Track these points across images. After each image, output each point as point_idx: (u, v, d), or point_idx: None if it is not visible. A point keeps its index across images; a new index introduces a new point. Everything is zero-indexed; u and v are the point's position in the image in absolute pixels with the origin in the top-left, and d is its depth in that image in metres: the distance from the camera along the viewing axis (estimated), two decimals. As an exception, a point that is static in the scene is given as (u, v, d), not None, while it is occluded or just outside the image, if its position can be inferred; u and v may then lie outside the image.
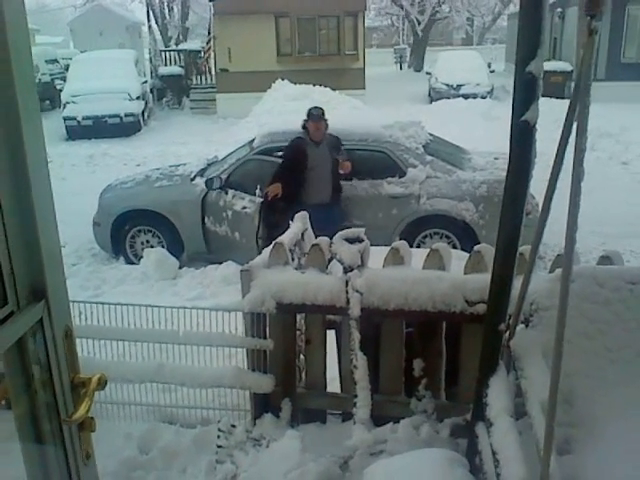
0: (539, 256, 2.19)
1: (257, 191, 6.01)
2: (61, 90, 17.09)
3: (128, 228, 6.60)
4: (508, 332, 2.29)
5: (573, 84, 1.75)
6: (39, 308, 1.28)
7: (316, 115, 5.77)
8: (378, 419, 3.04)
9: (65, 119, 15.53)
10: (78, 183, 9.96)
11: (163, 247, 6.48)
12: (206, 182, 6.33)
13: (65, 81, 17.50)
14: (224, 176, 6.32)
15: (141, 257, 6.40)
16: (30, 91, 1.24)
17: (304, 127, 5.82)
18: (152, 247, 6.51)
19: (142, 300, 3.58)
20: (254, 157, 6.35)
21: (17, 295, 1.23)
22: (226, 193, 6.25)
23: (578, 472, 1.85)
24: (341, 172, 5.81)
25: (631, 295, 2.23)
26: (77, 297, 3.35)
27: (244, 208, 6.05)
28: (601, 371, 2.14)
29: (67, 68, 19.66)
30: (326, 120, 5.82)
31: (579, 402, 2.07)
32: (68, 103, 15.79)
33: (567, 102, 1.71)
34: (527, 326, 2.35)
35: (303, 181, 5.75)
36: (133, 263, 6.58)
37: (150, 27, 28.88)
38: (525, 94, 1.97)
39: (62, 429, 1.38)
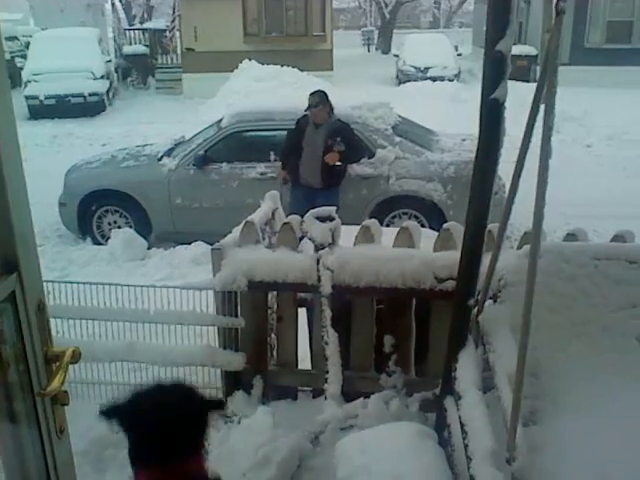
0: (506, 235, 2.22)
1: (272, 156, 6.23)
2: (21, 68, 16.59)
3: (95, 208, 6.50)
4: (477, 307, 2.34)
5: (539, 67, 1.78)
6: (11, 280, 1.27)
7: (311, 98, 5.71)
8: (348, 395, 3.08)
9: (27, 98, 15.10)
10: (43, 163, 9.72)
11: (131, 227, 6.40)
12: (195, 160, 6.28)
13: (26, 59, 16.99)
14: (201, 152, 6.29)
15: (108, 238, 6.30)
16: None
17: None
18: (120, 228, 6.42)
19: (110, 281, 3.53)
20: (246, 127, 6.36)
21: (-11, 267, 1.22)
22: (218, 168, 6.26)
23: (543, 442, 1.90)
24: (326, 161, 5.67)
25: (596, 271, 2.28)
26: (44, 278, 3.29)
27: (263, 174, 6.18)
28: (566, 345, 2.19)
29: (28, 46, 19.07)
30: (325, 104, 5.72)
31: (545, 375, 2.12)
32: (30, 82, 15.37)
33: (533, 85, 1.73)
34: (495, 301, 2.40)
35: (298, 160, 5.80)
36: (100, 244, 6.49)
37: (113, 5, 28.17)
38: (494, 73, 2.01)
39: (36, 403, 1.37)
